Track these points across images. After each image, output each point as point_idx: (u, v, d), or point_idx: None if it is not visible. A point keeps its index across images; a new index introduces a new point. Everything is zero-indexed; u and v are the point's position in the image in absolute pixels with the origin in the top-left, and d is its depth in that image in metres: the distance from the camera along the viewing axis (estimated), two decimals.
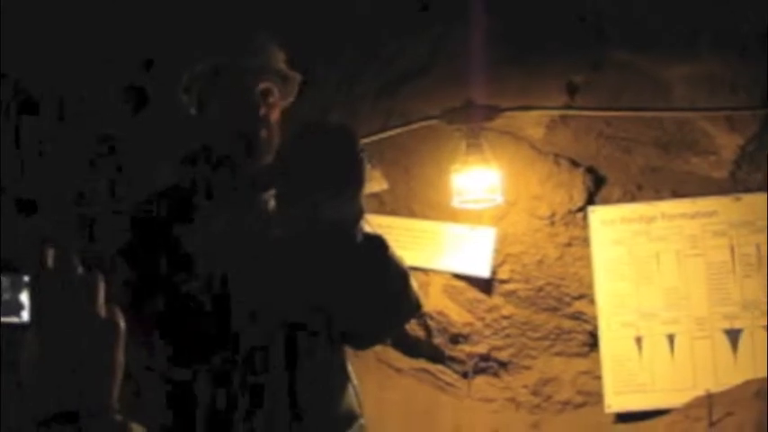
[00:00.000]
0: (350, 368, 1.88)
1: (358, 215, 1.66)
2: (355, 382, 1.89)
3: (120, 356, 0.86)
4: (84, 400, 0.83)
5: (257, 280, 1.74)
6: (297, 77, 1.90)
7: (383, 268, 1.72)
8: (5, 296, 0.88)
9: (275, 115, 1.87)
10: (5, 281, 0.88)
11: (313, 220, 1.63)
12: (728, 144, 3.28)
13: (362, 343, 1.97)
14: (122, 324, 0.87)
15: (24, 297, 0.89)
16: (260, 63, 1.85)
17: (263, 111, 1.83)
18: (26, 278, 0.89)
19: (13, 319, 0.87)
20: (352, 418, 1.86)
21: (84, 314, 0.85)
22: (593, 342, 3.40)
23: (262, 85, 1.84)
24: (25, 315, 0.88)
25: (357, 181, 1.63)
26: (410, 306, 1.83)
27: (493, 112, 3.20)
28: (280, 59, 1.90)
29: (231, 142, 1.81)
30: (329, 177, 1.61)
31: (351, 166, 1.62)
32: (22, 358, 0.85)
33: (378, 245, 1.72)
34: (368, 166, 1.65)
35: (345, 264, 1.67)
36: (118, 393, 0.84)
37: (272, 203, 1.82)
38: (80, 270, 0.86)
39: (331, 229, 1.64)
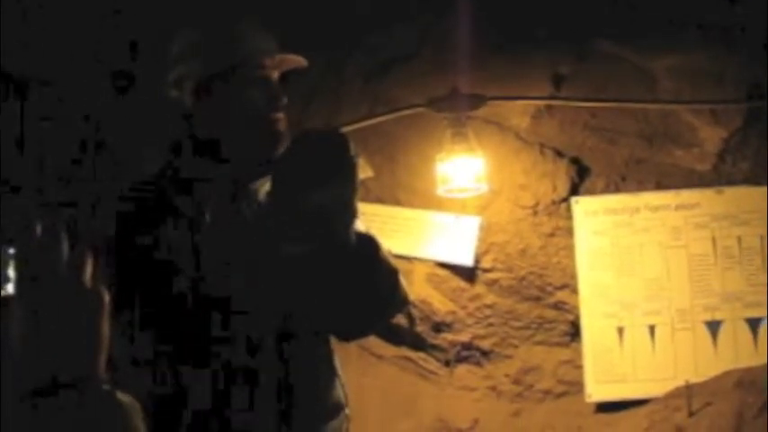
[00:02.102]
0: (336, 361, 1.90)
1: (352, 217, 1.69)
2: (340, 373, 1.91)
3: (106, 327, 0.86)
4: (71, 371, 0.83)
5: (248, 273, 1.75)
6: (298, 58, 1.90)
7: (375, 268, 1.76)
8: None
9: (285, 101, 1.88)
10: None
11: (308, 221, 1.64)
12: (712, 137, 3.30)
13: (350, 336, 2.00)
14: (107, 296, 0.87)
15: (9, 270, 0.88)
16: (269, 48, 1.85)
17: (284, 100, 1.84)
18: (11, 250, 0.88)
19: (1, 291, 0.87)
20: (338, 408, 1.88)
21: (70, 284, 0.85)
22: (574, 332, 3.41)
23: (276, 74, 1.85)
24: (10, 288, 0.88)
25: (351, 184, 1.65)
26: (398, 302, 1.87)
27: (479, 100, 3.21)
28: (275, 41, 1.90)
29: (257, 133, 1.81)
30: (323, 181, 1.63)
31: (345, 169, 1.64)
32: (10, 330, 0.85)
33: (370, 245, 1.75)
34: (359, 165, 1.68)
35: (338, 263, 1.69)
36: (104, 364, 0.84)
37: (261, 194, 1.83)
38: (66, 241, 0.86)
39: (325, 230, 1.66)
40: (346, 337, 1.98)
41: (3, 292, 0.89)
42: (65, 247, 0.86)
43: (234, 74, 1.81)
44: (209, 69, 1.81)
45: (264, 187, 1.83)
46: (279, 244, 1.68)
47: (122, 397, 0.85)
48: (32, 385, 0.83)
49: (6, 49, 2.82)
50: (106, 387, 0.85)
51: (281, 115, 1.84)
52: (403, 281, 1.84)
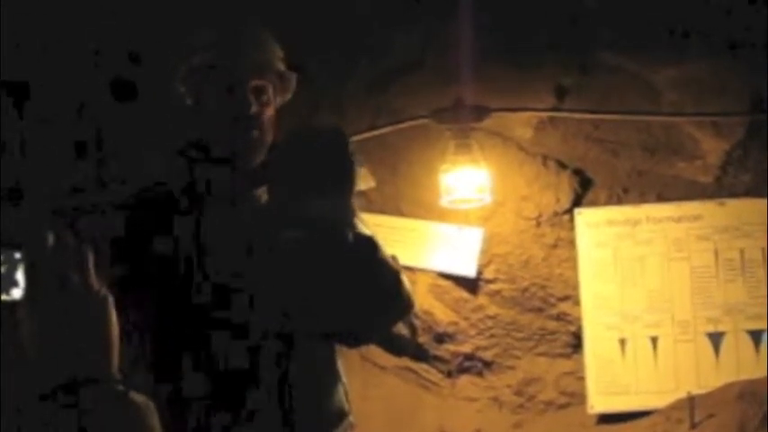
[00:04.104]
0: (340, 366, 1.89)
1: (349, 216, 1.69)
2: (344, 380, 1.90)
3: (115, 326, 0.86)
4: (84, 371, 0.84)
5: (250, 277, 1.75)
6: (293, 76, 1.91)
7: (373, 268, 1.74)
8: (2, 272, 0.88)
9: (269, 114, 1.87)
10: (3, 258, 0.88)
11: (305, 221, 1.64)
12: (714, 149, 3.30)
13: (354, 341, 1.98)
14: (111, 297, 0.88)
15: (19, 275, 0.89)
16: (256, 59, 1.85)
17: (254, 109, 1.83)
18: (18, 255, 0.89)
19: (9, 297, 0.88)
20: (341, 415, 1.88)
21: (77, 285, 0.86)
22: (576, 343, 3.41)
23: (254, 83, 1.83)
24: (19, 292, 0.89)
25: (348, 183, 1.65)
26: (401, 305, 1.84)
27: (483, 112, 3.21)
28: (278, 57, 1.90)
29: (222, 141, 1.82)
30: (321, 179, 1.63)
31: (342, 168, 1.64)
32: (23, 333, 0.85)
33: (367, 245, 1.74)
34: (358, 167, 1.67)
35: (336, 264, 1.68)
36: (117, 363, 0.85)
37: (264, 199, 1.83)
38: (71, 241, 0.87)
39: (322, 230, 1.66)
40: (350, 341, 1.95)
41: (11, 297, 0.90)
42: (73, 251, 0.87)
43: (211, 73, 1.82)
44: (195, 65, 1.82)
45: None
46: (277, 236, 1.68)
47: (136, 397, 0.85)
48: (46, 387, 0.84)
49: (7, 52, 2.83)
50: (120, 387, 0.85)
51: (252, 124, 1.83)
52: (407, 284, 1.82)
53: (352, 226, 1.71)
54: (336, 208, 1.67)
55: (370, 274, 1.74)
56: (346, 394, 1.91)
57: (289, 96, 1.93)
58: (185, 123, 1.88)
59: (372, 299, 1.76)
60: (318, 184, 1.64)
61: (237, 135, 1.82)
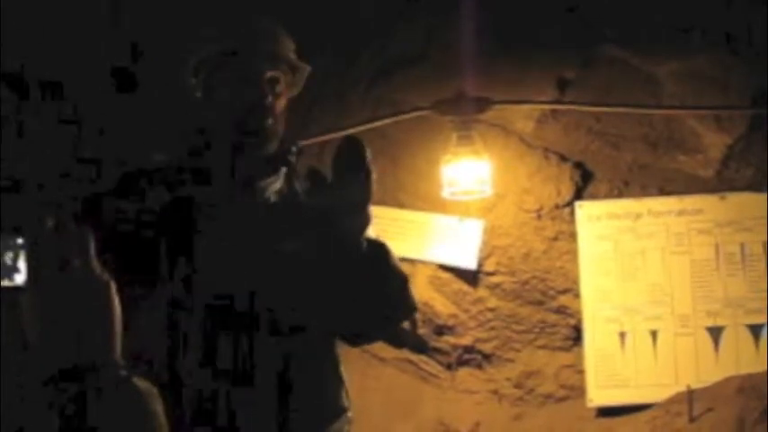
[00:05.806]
0: (340, 361, 1.90)
1: (365, 225, 1.70)
2: (344, 376, 1.91)
3: (118, 310, 0.86)
4: (88, 356, 0.84)
5: (256, 272, 1.75)
6: (306, 68, 1.90)
7: (384, 274, 1.78)
8: (3, 259, 0.88)
9: (281, 104, 1.87)
10: (4, 244, 0.88)
11: (325, 229, 1.66)
12: (716, 143, 3.30)
13: (358, 341, 2.00)
14: (112, 282, 0.88)
15: (20, 261, 0.89)
16: (270, 50, 1.85)
17: (269, 99, 1.83)
18: (20, 241, 0.89)
19: (10, 283, 0.88)
20: (340, 410, 1.88)
21: (79, 269, 0.86)
22: (576, 336, 3.42)
23: (269, 74, 1.84)
24: (20, 278, 0.89)
25: (367, 193, 1.66)
26: (406, 310, 1.90)
27: (485, 104, 3.21)
28: (289, 48, 1.90)
29: (236, 129, 1.81)
30: (345, 191, 1.63)
31: (362, 178, 1.64)
32: (24, 318, 0.85)
33: (381, 252, 1.77)
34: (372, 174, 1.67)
35: (349, 269, 1.71)
36: (120, 348, 0.85)
37: (270, 191, 1.83)
38: (72, 226, 0.87)
39: (338, 237, 1.67)
40: (354, 340, 1.98)
41: (12, 283, 0.90)
42: (74, 235, 0.87)
43: (224, 64, 1.82)
44: (205, 56, 1.82)
45: (274, 186, 1.84)
46: (281, 241, 1.68)
47: (139, 382, 0.85)
48: (48, 372, 0.84)
49: (7, 47, 2.83)
50: (123, 372, 0.85)
51: (267, 114, 1.83)
52: (411, 288, 1.86)
53: (367, 233, 1.73)
54: (355, 217, 1.68)
55: (380, 280, 1.77)
56: (346, 390, 1.92)
57: (297, 91, 1.93)
58: (194, 115, 1.88)
59: (380, 303, 1.79)
60: (343, 195, 1.64)
61: (252, 123, 1.82)
